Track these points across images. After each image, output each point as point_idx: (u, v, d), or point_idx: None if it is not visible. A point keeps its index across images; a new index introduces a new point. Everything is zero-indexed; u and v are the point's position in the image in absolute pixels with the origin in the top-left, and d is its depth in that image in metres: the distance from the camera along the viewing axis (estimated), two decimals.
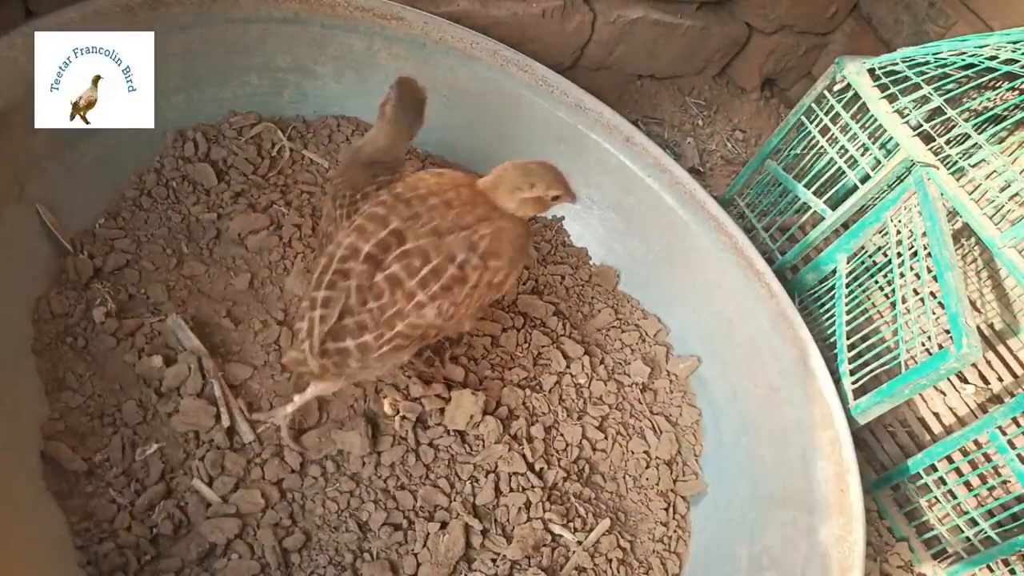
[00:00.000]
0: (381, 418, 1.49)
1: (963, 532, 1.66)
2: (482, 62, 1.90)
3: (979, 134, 1.58)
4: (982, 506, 1.65)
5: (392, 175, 1.42)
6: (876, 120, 1.71)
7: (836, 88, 1.81)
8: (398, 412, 1.48)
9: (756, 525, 1.56)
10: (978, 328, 1.50)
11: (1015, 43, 1.57)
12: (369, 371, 1.28)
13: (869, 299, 1.78)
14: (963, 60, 1.61)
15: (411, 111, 1.43)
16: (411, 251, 1.17)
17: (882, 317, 1.87)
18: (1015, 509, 1.59)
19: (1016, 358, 2.11)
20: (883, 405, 1.58)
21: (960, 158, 1.60)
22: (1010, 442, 1.54)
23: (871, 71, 1.75)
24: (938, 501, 1.70)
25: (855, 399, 1.64)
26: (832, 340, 1.78)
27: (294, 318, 1.37)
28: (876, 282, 1.75)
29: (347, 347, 1.18)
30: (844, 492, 1.48)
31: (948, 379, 1.98)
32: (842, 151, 1.81)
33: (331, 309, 1.17)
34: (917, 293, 1.57)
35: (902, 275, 1.61)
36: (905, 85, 1.70)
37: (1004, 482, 1.72)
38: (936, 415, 1.94)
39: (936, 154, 1.63)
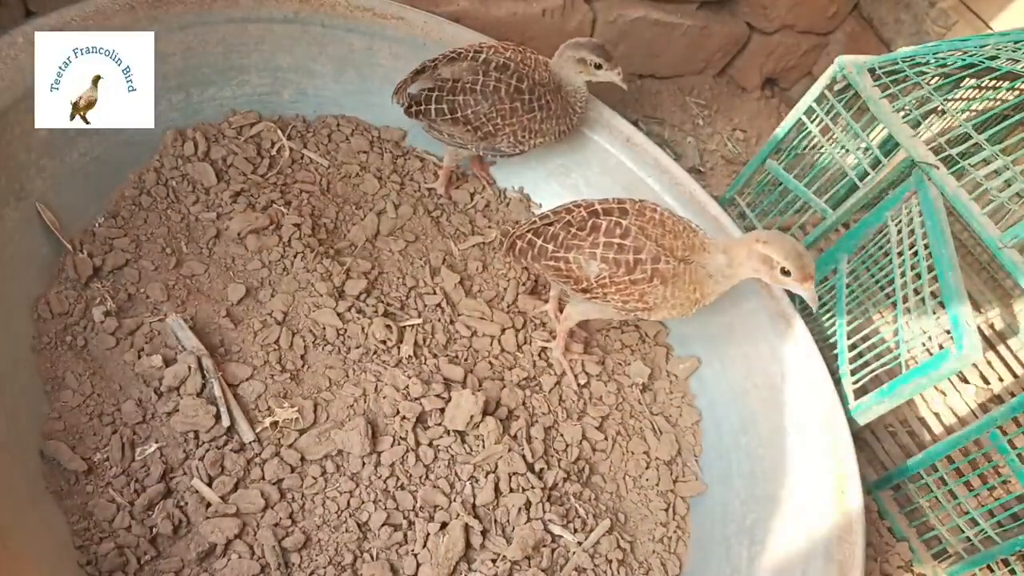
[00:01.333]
0: (381, 418, 1.49)
1: (963, 532, 1.66)
2: None
3: (979, 134, 1.57)
4: (982, 506, 1.64)
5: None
6: (876, 120, 1.70)
7: (836, 88, 1.80)
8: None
9: (756, 525, 1.56)
10: (978, 328, 1.50)
11: (1015, 43, 1.57)
12: (534, 268, 1.63)
13: (870, 299, 1.78)
14: (963, 60, 1.61)
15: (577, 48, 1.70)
16: (621, 223, 1.47)
17: (883, 317, 1.87)
18: (1015, 509, 1.59)
19: (1016, 358, 2.11)
20: (884, 405, 1.58)
21: (960, 158, 1.60)
22: (1010, 442, 1.53)
23: (871, 71, 1.75)
24: (938, 501, 1.70)
25: (855, 399, 1.64)
26: (832, 340, 1.78)
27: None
28: (877, 282, 1.75)
29: (536, 242, 1.53)
30: (844, 493, 1.48)
31: (948, 379, 1.98)
32: (843, 151, 1.81)
33: (545, 220, 1.55)
34: (918, 293, 1.56)
35: (903, 275, 1.61)
36: (905, 85, 1.69)
37: (1004, 482, 1.72)
38: (936, 415, 1.94)
39: (936, 154, 1.63)
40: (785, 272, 1.38)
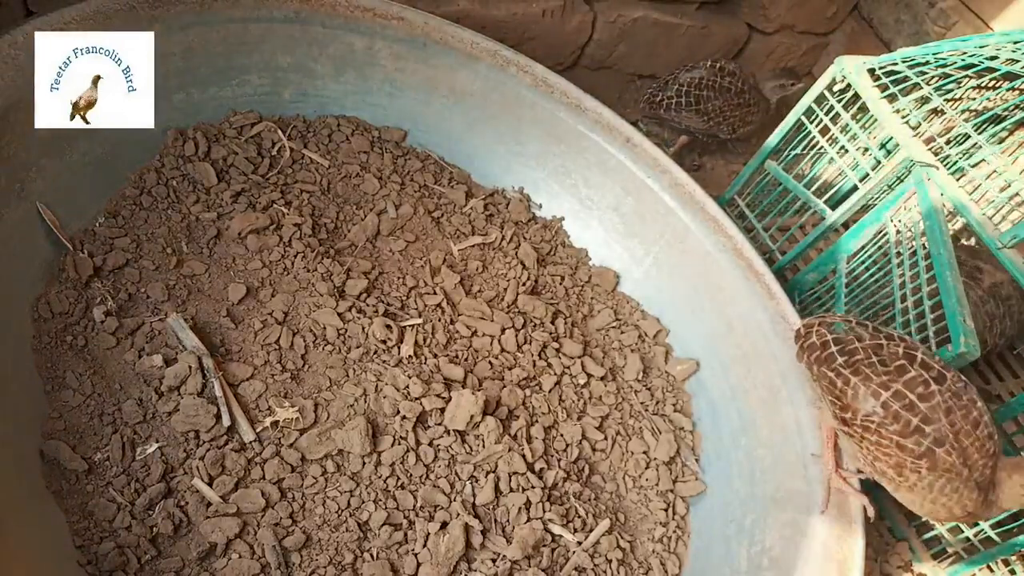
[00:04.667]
0: (381, 418, 1.49)
1: (963, 532, 1.66)
2: (482, 62, 1.90)
3: (979, 134, 1.58)
4: None
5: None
6: (876, 120, 1.71)
7: (836, 88, 1.81)
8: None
9: (756, 526, 1.56)
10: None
11: (1015, 43, 1.57)
12: (812, 369, 1.43)
13: (870, 299, 1.78)
14: (963, 60, 1.62)
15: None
16: (930, 385, 1.25)
17: (882, 317, 1.87)
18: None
19: (1016, 358, 2.11)
20: None
21: (960, 158, 1.60)
22: (1010, 442, 1.54)
23: (871, 71, 1.75)
24: None
25: None
26: None
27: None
28: (876, 282, 1.75)
29: (830, 348, 1.36)
30: (843, 492, 1.48)
31: None
32: (842, 151, 1.82)
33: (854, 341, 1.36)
34: (916, 293, 1.57)
35: (901, 275, 1.61)
36: (905, 85, 1.70)
37: None
38: None
39: (936, 154, 1.63)
40: None
